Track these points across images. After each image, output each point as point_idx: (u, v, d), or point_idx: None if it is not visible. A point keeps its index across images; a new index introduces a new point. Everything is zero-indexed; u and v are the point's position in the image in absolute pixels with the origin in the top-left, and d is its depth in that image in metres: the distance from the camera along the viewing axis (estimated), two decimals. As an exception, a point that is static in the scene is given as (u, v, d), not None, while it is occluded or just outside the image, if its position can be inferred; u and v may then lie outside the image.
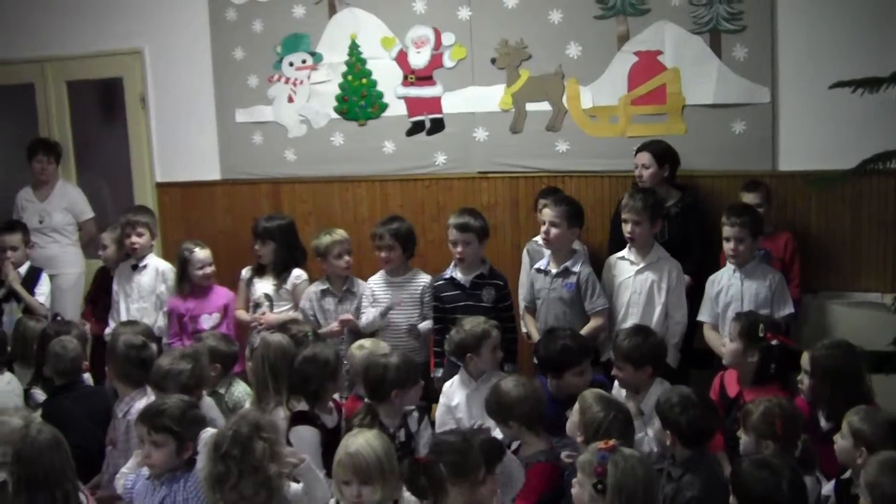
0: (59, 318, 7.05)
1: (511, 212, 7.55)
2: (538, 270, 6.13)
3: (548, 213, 6.03)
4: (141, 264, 7.05)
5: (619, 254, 6.12)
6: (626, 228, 5.97)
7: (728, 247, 5.79)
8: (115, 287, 7.12)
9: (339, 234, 6.54)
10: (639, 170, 6.64)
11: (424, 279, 6.42)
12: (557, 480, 4.49)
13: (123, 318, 6.85)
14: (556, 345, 5.18)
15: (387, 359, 5.02)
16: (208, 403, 5.34)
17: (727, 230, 5.78)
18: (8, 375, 6.00)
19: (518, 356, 6.23)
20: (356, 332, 6.33)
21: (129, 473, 4.60)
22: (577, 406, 4.49)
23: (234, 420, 4.12)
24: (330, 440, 4.83)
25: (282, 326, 5.94)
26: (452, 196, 7.70)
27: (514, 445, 4.75)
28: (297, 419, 4.95)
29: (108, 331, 6.95)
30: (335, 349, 5.42)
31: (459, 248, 6.15)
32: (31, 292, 7.27)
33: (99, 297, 7.37)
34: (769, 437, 4.23)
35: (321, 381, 5.04)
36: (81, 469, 4.79)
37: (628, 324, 5.82)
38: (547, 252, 6.19)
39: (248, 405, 5.37)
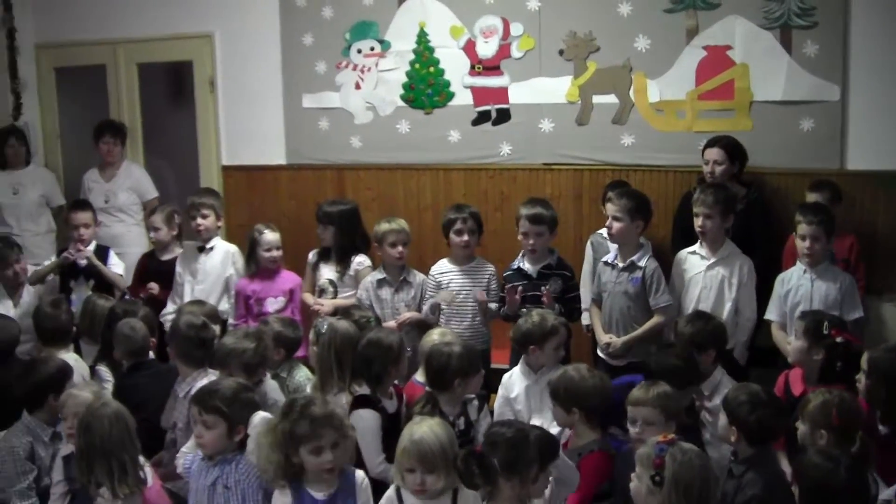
0: (126, 296, 7.15)
1: (575, 204, 7.54)
2: (605, 263, 6.12)
3: (611, 208, 6.04)
4: (208, 246, 7.09)
5: (690, 248, 6.11)
6: (697, 222, 5.96)
7: (803, 245, 5.70)
8: (178, 269, 7.15)
9: (398, 223, 6.56)
10: (710, 165, 6.59)
11: (491, 267, 6.46)
12: (610, 469, 4.53)
13: (188, 299, 6.85)
14: (669, 363, 4.98)
15: (450, 348, 5.03)
16: (272, 385, 5.40)
17: (803, 228, 5.70)
18: (73, 354, 6.11)
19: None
20: (420, 324, 6.36)
21: (189, 453, 4.67)
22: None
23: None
24: (389, 425, 4.90)
25: (345, 312, 5.99)
26: (516, 187, 7.69)
27: (564, 438, 4.78)
28: (358, 403, 4.98)
29: (165, 311, 7.03)
30: (399, 335, 5.45)
31: (531, 241, 6.16)
32: (103, 270, 7.38)
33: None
34: (824, 426, 4.22)
35: (384, 364, 5.07)
36: (152, 445, 4.92)
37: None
38: (613, 245, 6.18)
39: (308, 390, 5.41)
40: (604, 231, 6.44)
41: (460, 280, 6.40)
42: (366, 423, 4.85)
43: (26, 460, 4.88)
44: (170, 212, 7.30)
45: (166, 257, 7.31)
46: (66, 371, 5.22)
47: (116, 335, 5.76)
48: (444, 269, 6.48)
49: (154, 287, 7.18)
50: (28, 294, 7.16)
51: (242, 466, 4.36)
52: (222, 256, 7.10)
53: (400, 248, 6.48)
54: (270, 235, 6.84)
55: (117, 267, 7.46)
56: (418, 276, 6.57)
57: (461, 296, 6.35)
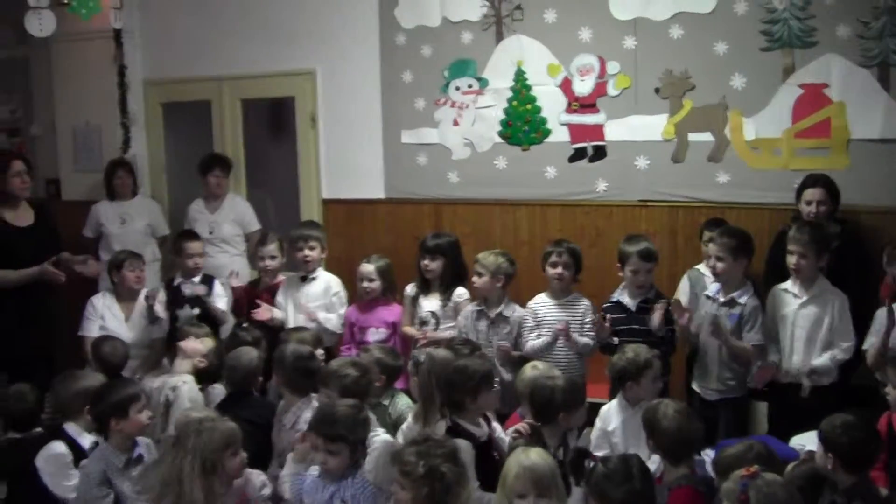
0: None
1: (669, 241, 7.55)
2: (707, 297, 6.15)
3: (713, 248, 6.09)
4: (311, 276, 7.26)
5: (783, 285, 6.08)
6: (791, 261, 5.93)
7: None
8: (279, 298, 7.32)
9: (491, 259, 6.61)
10: (814, 206, 6.50)
11: (586, 302, 6.52)
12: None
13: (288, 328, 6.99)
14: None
15: (553, 381, 5.12)
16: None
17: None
18: (188, 376, 6.16)
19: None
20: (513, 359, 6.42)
21: (295, 475, 4.81)
22: None
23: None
24: (479, 453, 4.95)
25: (449, 342, 6.10)
26: (612, 223, 7.74)
27: (659, 472, 4.77)
28: (451, 432, 5.00)
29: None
30: (490, 367, 5.44)
31: (642, 278, 6.25)
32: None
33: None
34: None
35: (463, 392, 5.09)
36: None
37: (791, 357, 5.89)
38: (709, 280, 6.22)
39: (410, 418, 5.48)
40: (701, 266, 6.49)
41: (556, 313, 6.48)
42: (463, 453, 4.91)
43: (100, 485, 4.96)
44: (281, 239, 7.46)
45: (273, 282, 7.49)
46: (133, 397, 5.19)
47: (232, 362, 5.92)
48: (541, 301, 6.57)
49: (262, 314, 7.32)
50: (137, 312, 7.41)
51: (358, 481, 4.57)
52: (323, 287, 7.26)
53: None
54: (364, 267, 7.01)
55: (221, 298, 7.53)
56: (517, 312, 6.59)
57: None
